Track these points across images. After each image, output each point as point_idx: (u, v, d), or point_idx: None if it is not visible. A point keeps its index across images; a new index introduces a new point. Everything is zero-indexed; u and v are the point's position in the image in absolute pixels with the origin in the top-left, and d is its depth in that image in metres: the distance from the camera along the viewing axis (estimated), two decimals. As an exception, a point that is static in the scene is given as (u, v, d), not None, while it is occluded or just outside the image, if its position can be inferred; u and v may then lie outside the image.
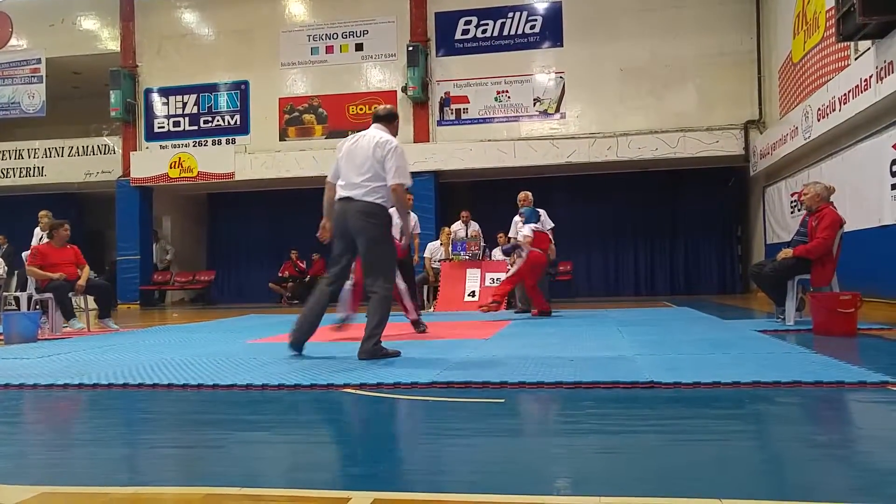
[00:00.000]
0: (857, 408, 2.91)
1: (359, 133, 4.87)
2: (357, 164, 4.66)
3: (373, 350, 4.47)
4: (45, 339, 6.77)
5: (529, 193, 8.82)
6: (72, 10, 16.11)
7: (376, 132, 4.78)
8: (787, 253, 6.06)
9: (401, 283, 6.20)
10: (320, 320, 4.72)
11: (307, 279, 15.30)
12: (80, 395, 3.62)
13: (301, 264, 15.41)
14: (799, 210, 9.84)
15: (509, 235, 9.12)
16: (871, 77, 7.87)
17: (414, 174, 13.71)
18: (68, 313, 7.62)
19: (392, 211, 4.75)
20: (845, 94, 8.61)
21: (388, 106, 5.18)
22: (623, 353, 4.35)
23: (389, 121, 4.91)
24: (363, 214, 4.58)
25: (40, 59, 16.12)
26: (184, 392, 3.57)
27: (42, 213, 10.34)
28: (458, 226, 11.12)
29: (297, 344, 4.69)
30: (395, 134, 4.88)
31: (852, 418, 2.83)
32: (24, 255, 8.40)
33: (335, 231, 4.77)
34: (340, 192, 4.70)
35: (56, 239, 7.88)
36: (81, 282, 7.74)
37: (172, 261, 16.69)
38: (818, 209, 6.01)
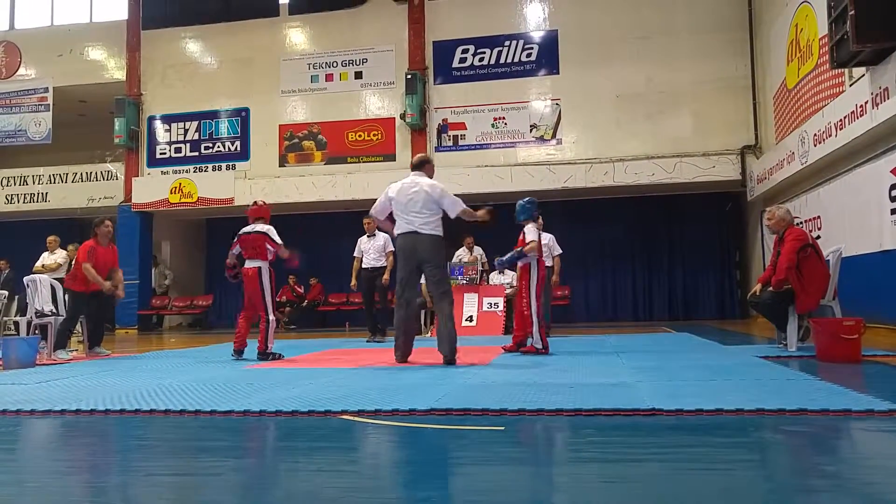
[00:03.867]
0: (866, 437, 2.82)
1: (402, 182, 5.96)
2: (417, 205, 5.79)
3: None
4: (44, 364, 6.72)
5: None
6: (80, 40, 16.39)
7: (423, 179, 5.93)
8: (757, 288, 6.27)
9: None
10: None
11: (304, 304, 15.27)
12: (77, 420, 3.58)
13: (299, 289, 15.37)
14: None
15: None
16: (866, 103, 7.92)
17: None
18: (59, 344, 7.36)
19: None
20: (841, 120, 8.66)
21: (420, 155, 6.37)
22: (623, 380, 4.31)
23: (422, 166, 6.05)
24: (431, 244, 5.79)
25: (48, 87, 16.40)
26: (181, 418, 3.53)
27: (51, 238, 10.33)
28: (462, 252, 11.06)
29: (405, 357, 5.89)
30: (430, 175, 6.07)
31: (861, 448, 2.75)
32: (26, 279, 8.30)
33: (403, 256, 5.88)
34: (404, 227, 5.83)
35: (100, 237, 7.69)
36: (120, 292, 7.73)
37: (171, 285, 16.65)
38: (785, 232, 6.15)
